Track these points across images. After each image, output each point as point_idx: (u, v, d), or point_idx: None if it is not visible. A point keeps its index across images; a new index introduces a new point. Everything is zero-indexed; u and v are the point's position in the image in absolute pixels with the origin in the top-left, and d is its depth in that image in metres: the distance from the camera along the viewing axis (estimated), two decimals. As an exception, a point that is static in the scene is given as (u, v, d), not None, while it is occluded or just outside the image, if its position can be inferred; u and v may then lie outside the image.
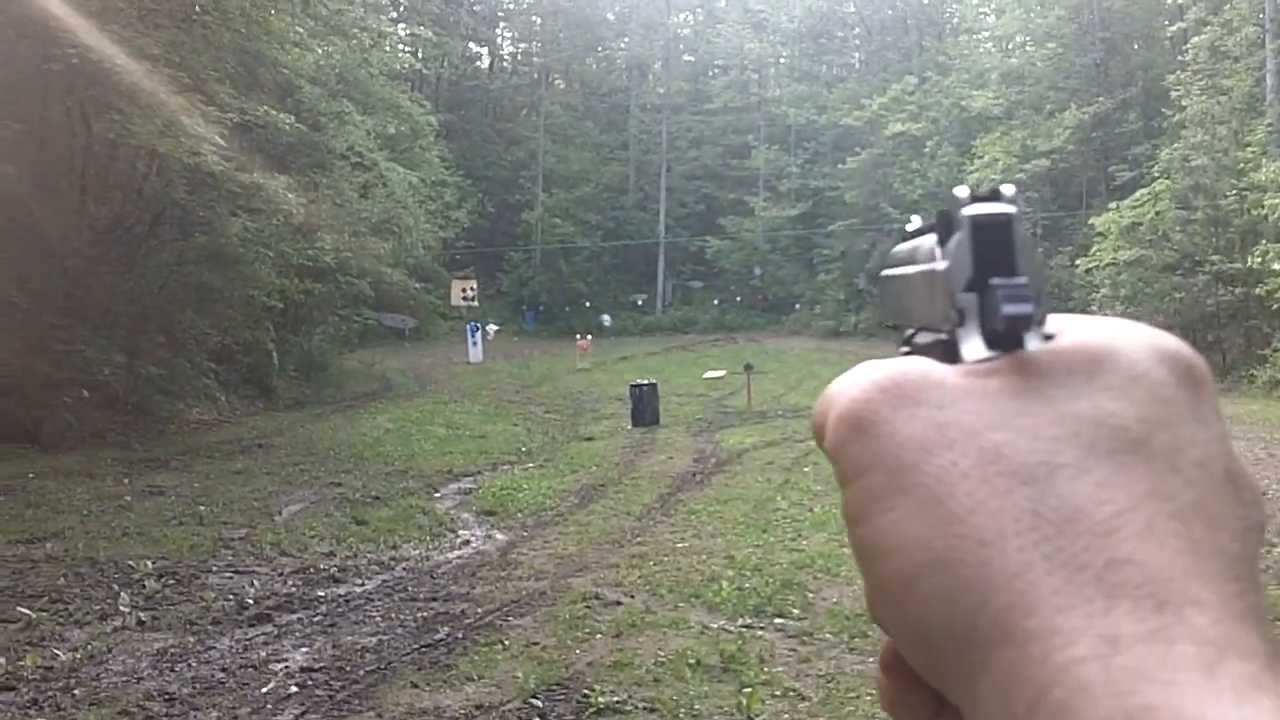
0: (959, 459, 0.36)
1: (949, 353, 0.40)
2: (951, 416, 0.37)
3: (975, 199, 0.41)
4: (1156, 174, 26.62)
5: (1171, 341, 0.40)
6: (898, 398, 0.38)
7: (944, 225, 0.42)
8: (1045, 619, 0.33)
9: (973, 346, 0.39)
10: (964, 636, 0.34)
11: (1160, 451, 0.36)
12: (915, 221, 0.50)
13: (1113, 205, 27.41)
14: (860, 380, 0.40)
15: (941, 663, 0.36)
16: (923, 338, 0.45)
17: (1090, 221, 28.28)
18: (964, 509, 0.35)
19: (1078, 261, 28.11)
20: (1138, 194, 26.52)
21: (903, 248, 0.49)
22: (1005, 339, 0.39)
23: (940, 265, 0.41)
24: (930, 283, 0.42)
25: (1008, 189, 0.41)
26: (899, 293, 0.48)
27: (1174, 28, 32.45)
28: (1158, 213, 25.30)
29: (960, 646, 0.35)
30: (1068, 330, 0.40)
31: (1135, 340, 0.39)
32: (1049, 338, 0.39)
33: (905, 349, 0.46)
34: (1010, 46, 41.93)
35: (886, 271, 0.51)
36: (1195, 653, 0.31)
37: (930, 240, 0.44)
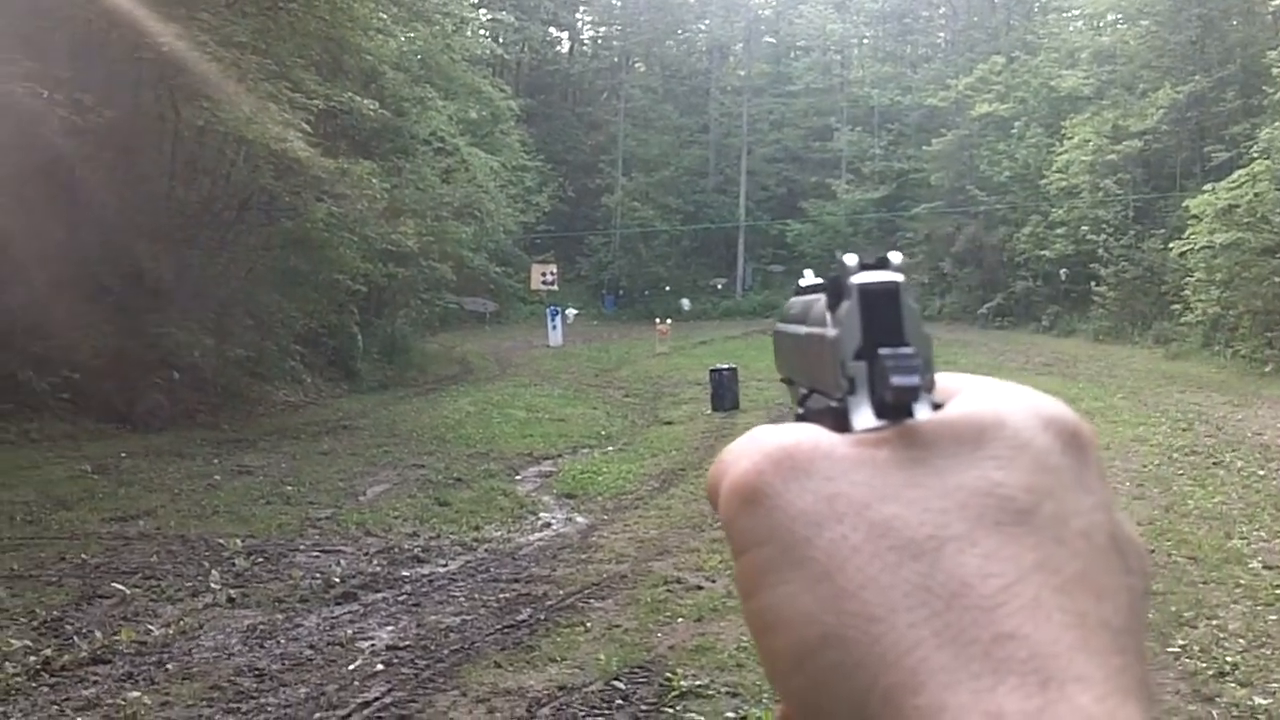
0: (849, 532, 0.36)
1: (840, 420, 0.40)
2: (841, 488, 0.37)
3: (864, 267, 0.41)
4: (1255, 154, 25.68)
5: (1056, 407, 0.40)
6: (789, 469, 0.38)
7: (833, 292, 0.42)
8: (933, 696, 0.32)
9: (862, 416, 0.39)
10: (854, 713, 0.34)
11: (1046, 521, 0.36)
12: (809, 277, 0.49)
13: (1208, 187, 26.52)
14: (750, 450, 0.40)
15: None
16: (815, 402, 0.44)
17: (1184, 204, 27.41)
18: (855, 584, 0.35)
19: (1171, 245, 27.35)
20: (1235, 175, 25.64)
21: (797, 302, 0.48)
22: (894, 409, 0.38)
23: (830, 332, 0.41)
24: (821, 348, 0.42)
25: (895, 257, 0.42)
26: (793, 350, 0.47)
27: (1276, 3, 31.32)
28: (1256, 194, 24.43)
29: None
30: (957, 396, 0.40)
31: (1021, 407, 0.39)
32: (938, 406, 0.39)
33: (800, 412, 0.46)
34: (1101, 24, 40.78)
35: (780, 327, 0.49)
36: None
37: (824, 301, 0.43)
